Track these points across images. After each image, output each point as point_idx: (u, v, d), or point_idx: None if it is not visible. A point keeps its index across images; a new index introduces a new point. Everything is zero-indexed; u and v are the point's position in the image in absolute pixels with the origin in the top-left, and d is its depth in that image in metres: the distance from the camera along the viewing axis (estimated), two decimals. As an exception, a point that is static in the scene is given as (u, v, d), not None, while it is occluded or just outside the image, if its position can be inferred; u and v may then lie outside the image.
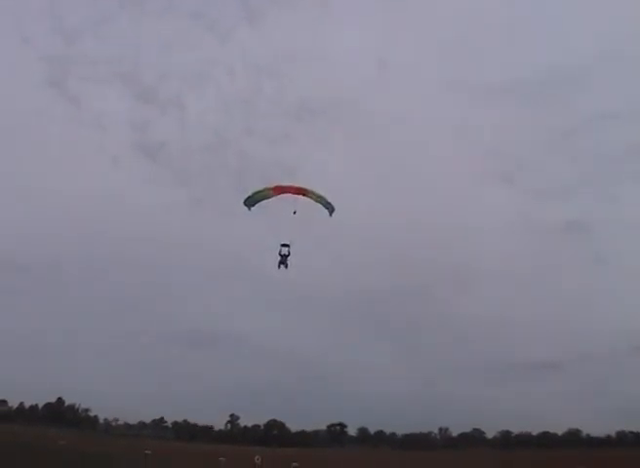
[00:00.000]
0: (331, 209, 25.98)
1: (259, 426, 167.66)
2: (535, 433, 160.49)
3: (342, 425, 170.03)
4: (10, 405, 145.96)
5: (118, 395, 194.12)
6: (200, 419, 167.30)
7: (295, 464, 40.00)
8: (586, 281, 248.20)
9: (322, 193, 25.30)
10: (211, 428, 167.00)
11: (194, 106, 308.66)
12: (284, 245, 27.19)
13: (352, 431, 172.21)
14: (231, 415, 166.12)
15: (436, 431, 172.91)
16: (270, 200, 26.09)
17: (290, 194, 25.15)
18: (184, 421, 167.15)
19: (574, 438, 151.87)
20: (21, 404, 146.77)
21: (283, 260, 27.20)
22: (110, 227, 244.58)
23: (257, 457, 52.27)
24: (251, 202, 25.90)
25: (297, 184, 25.51)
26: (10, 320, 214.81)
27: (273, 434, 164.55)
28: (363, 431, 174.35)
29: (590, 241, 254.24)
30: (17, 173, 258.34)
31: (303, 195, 25.15)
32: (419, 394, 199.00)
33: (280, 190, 25.83)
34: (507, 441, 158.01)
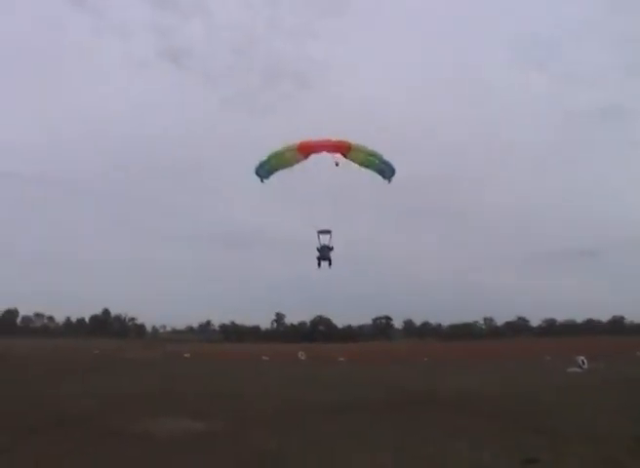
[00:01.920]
0: (389, 171, 18.78)
1: (305, 323, 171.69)
2: (579, 320, 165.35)
3: (388, 318, 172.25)
4: (57, 321, 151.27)
5: (164, 302, 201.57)
6: (247, 320, 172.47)
7: (340, 359, 36.05)
8: (622, 167, 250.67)
9: (373, 148, 18.33)
10: (257, 328, 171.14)
11: (218, 8, 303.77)
12: (323, 232, 20.15)
13: (398, 324, 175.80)
14: (277, 314, 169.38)
15: (481, 321, 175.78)
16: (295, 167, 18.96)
17: (325, 152, 18.14)
18: (231, 323, 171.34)
19: (618, 325, 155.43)
20: (68, 318, 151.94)
21: (324, 255, 19.99)
22: (142, 134, 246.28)
23: (300, 353, 50.10)
24: (266, 171, 19.01)
25: (334, 138, 18.40)
26: (51, 236, 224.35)
27: (320, 330, 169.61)
28: (408, 323, 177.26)
29: (625, 126, 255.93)
30: (46, 87, 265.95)
31: (344, 155, 17.90)
32: (463, 284, 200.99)
33: (309, 148, 18.25)
34: (552, 329, 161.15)
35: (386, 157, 18.69)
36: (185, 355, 48.82)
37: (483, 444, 10.57)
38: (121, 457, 9.40)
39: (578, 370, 30.09)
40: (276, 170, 19.32)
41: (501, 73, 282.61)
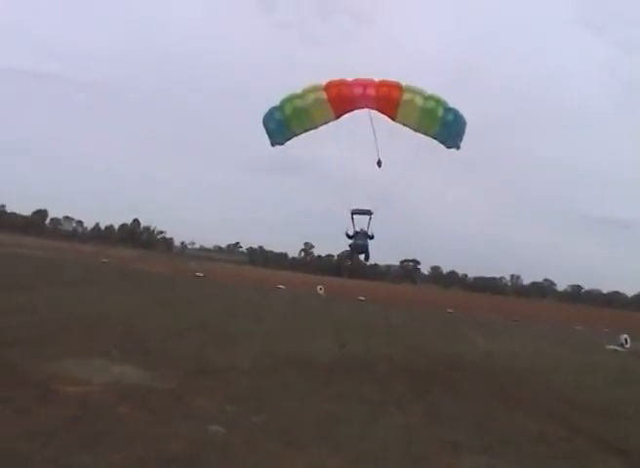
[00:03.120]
0: (455, 131, 14.06)
1: (332, 256, 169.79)
2: (605, 291, 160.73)
3: (416, 262, 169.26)
4: (85, 225, 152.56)
5: (196, 220, 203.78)
6: (275, 247, 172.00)
7: (360, 298, 32.37)
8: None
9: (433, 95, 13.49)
10: (285, 255, 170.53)
11: None
12: (360, 212, 15.98)
13: (425, 269, 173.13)
14: (306, 244, 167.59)
15: (508, 277, 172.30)
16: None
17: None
18: (259, 247, 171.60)
19: None
20: (97, 224, 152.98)
21: (359, 245, 15.78)
22: (198, 55, 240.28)
23: (319, 287, 47.05)
24: (280, 132, 14.58)
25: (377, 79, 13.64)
26: (93, 144, 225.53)
27: (347, 265, 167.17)
28: (436, 270, 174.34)
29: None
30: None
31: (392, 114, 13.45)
32: (495, 238, 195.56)
33: (342, 96, 13.71)
34: (577, 295, 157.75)
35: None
36: (198, 274, 46.10)
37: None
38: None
39: (619, 348, 26.11)
40: (294, 132, 14.79)
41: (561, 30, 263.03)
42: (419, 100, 13.56)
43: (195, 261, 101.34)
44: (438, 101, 13.67)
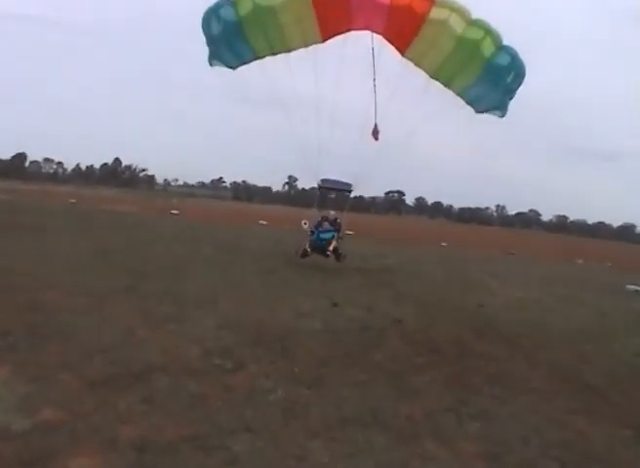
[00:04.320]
0: (504, 85, 10.08)
1: (315, 188, 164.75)
2: (590, 222, 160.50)
3: (401, 193, 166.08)
4: (65, 166, 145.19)
5: (178, 156, 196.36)
6: (259, 181, 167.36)
7: (348, 232, 28.37)
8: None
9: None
10: (269, 189, 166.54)
11: None
12: (332, 188, 16.92)
13: (410, 200, 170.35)
14: (289, 177, 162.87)
15: (493, 208, 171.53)
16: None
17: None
18: (243, 182, 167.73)
19: (628, 232, 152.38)
20: (78, 165, 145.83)
21: (318, 243, 15.92)
22: None
23: (303, 221, 42.21)
24: (228, 47, 10.48)
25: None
26: (71, 83, 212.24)
27: (330, 198, 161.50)
28: (420, 201, 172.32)
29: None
30: None
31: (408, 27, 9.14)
32: (479, 168, 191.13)
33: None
34: (563, 225, 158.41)
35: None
36: (173, 211, 41.76)
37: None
38: None
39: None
40: (255, 54, 10.16)
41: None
42: (457, 23, 9.03)
43: (178, 198, 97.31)
44: (488, 32, 9.08)
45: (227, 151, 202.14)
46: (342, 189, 16.41)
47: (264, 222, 42.02)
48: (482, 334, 10.26)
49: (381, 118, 13.33)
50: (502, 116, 10.84)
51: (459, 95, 10.40)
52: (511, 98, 10.59)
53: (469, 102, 10.72)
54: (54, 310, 8.31)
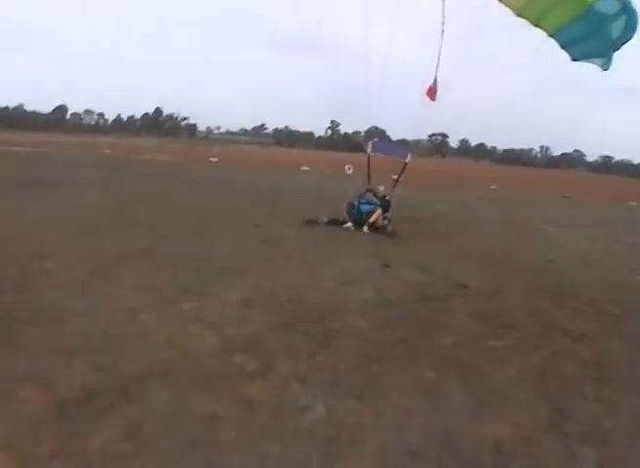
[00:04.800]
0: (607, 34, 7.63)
1: (359, 133, 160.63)
2: (635, 162, 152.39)
3: (444, 135, 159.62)
4: (106, 117, 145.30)
5: (220, 103, 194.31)
6: (301, 126, 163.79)
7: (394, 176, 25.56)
8: None
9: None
10: (311, 134, 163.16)
11: None
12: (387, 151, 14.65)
13: (453, 143, 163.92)
14: (332, 121, 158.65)
15: (537, 149, 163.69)
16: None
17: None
18: (285, 128, 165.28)
19: None
20: (119, 116, 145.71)
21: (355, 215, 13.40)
22: None
23: (347, 166, 39.68)
24: None
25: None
26: (104, 32, 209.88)
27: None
28: (464, 143, 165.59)
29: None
30: None
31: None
32: (523, 111, 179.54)
33: None
34: (608, 166, 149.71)
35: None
36: (212, 159, 40.18)
37: None
38: None
39: None
40: None
41: None
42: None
43: (220, 146, 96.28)
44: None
45: (269, 98, 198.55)
46: (397, 156, 14.09)
47: (307, 168, 40.03)
48: (561, 301, 8.27)
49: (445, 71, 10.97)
50: (606, 69, 8.35)
51: (551, 35, 8.00)
52: (616, 50, 8.11)
53: (563, 46, 8.28)
54: (43, 287, 6.78)
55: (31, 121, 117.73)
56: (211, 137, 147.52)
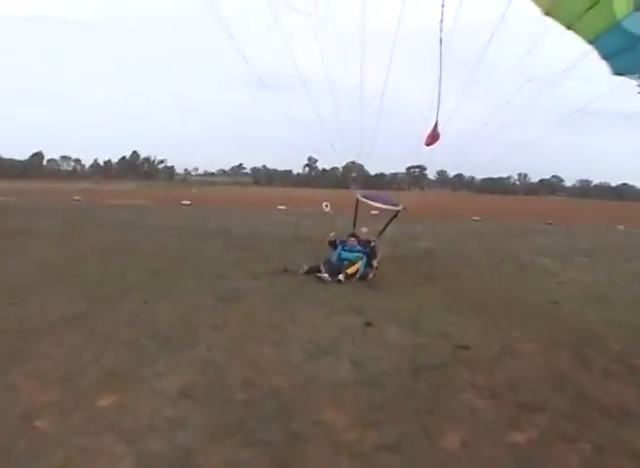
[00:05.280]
0: None
1: (337, 168, 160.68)
2: (614, 184, 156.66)
3: (422, 168, 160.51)
4: (83, 163, 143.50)
5: (196, 145, 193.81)
6: (279, 164, 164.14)
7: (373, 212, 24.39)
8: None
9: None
10: (289, 172, 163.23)
11: None
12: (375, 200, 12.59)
13: (431, 174, 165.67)
14: (309, 158, 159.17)
15: (515, 176, 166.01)
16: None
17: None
18: (263, 167, 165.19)
19: None
20: (95, 161, 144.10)
21: (333, 265, 11.42)
22: None
23: (325, 204, 38.49)
24: None
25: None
26: (80, 79, 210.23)
27: (352, 177, 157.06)
28: (442, 174, 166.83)
29: None
30: None
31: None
32: (496, 137, 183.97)
33: None
34: (586, 190, 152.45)
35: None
36: (184, 202, 38.50)
37: None
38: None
39: None
40: None
41: None
42: None
43: (197, 187, 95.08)
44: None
45: (246, 138, 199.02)
46: (388, 204, 12.68)
47: (283, 207, 38.59)
48: (585, 358, 6.75)
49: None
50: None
51: (590, 42, 6.77)
52: None
53: (605, 57, 7.02)
54: None
55: (7, 168, 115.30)
56: (189, 180, 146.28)
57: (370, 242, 12.16)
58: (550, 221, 35.00)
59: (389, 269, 12.26)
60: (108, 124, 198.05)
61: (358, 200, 12.71)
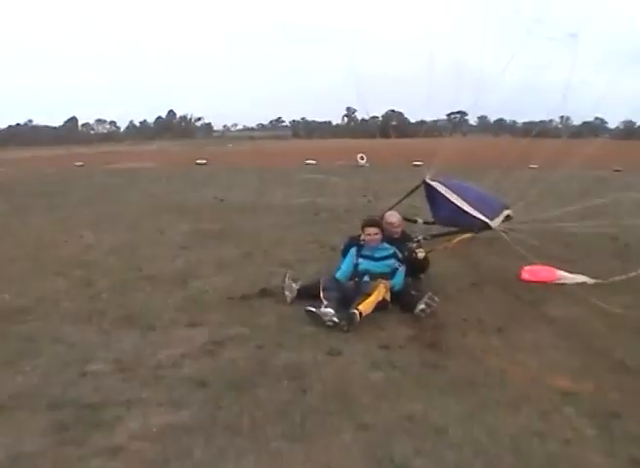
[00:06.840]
0: None
1: (376, 117, 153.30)
2: None
3: (463, 113, 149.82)
4: (118, 125, 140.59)
5: (233, 102, 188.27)
6: (318, 116, 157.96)
7: (416, 162, 18.22)
8: None
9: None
10: (328, 123, 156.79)
11: None
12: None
13: (472, 120, 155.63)
14: (347, 109, 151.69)
15: (557, 119, 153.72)
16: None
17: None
18: (302, 119, 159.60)
19: None
20: (131, 122, 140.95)
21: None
22: None
23: (360, 155, 32.67)
24: None
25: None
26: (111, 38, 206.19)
27: (392, 125, 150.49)
28: (483, 119, 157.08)
29: None
30: None
31: None
32: (537, 80, 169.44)
33: None
34: (630, 131, 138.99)
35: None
36: (199, 161, 33.36)
37: None
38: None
39: None
40: None
41: None
42: None
43: (234, 142, 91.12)
44: None
45: (284, 90, 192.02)
46: (475, 215, 7.19)
47: (313, 162, 33.12)
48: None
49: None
50: None
51: None
52: None
53: None
54: None
55: (42, 135, 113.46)
56: (227, 135, 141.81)
57: (418, 240, 6.70)
58: (618, 168, 27.69)
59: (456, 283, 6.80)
60: (142, 84, 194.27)
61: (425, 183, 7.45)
